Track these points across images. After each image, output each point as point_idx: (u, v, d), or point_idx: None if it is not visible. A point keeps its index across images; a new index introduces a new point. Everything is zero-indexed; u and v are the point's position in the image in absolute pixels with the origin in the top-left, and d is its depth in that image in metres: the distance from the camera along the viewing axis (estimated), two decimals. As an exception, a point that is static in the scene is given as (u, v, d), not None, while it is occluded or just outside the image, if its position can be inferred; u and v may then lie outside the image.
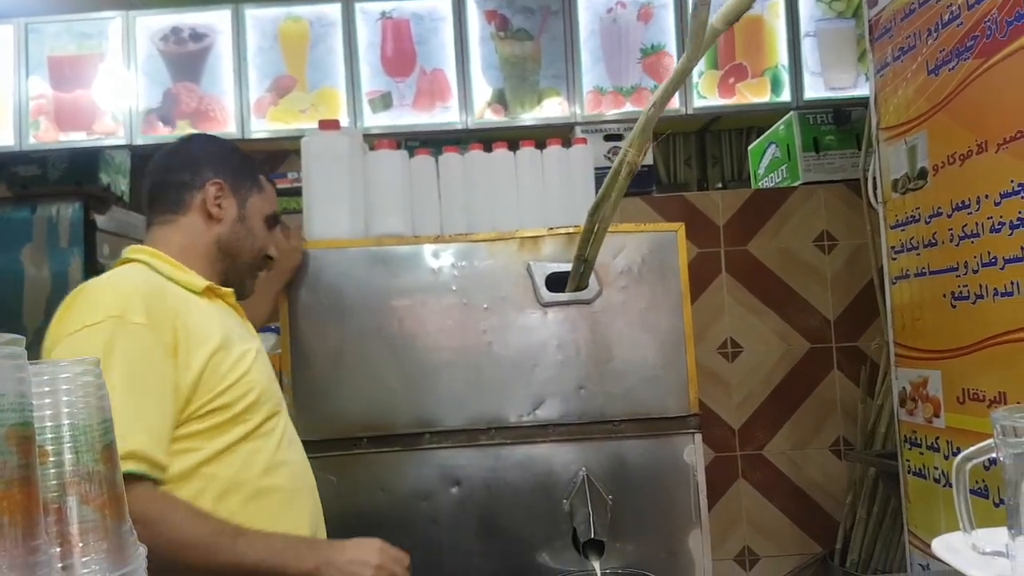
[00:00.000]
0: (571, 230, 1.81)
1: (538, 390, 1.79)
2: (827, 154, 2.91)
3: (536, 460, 1.78)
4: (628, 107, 2.91)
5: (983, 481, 1.69)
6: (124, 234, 2.98)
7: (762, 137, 3.31)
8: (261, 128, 2.92)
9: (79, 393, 0.62)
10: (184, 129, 2.91)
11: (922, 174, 1.97)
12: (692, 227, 2.70)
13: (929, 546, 0.98)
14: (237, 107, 2.92)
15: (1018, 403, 1.57)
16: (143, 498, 1.18)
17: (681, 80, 1.47)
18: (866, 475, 2.61)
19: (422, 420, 1.77)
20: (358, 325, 1.78)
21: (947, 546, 0.86)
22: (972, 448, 0.83)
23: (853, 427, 2.77)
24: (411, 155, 1.92)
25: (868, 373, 2.75)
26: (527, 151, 1.92)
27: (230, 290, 1.46)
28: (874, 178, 2.24)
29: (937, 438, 1.97)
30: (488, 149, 1.92)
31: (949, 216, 1.86)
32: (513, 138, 1.99)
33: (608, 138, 2.88)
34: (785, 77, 2.93)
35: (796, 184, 2.93)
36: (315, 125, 1.96)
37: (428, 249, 1.81)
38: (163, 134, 2.92)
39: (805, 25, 2.93)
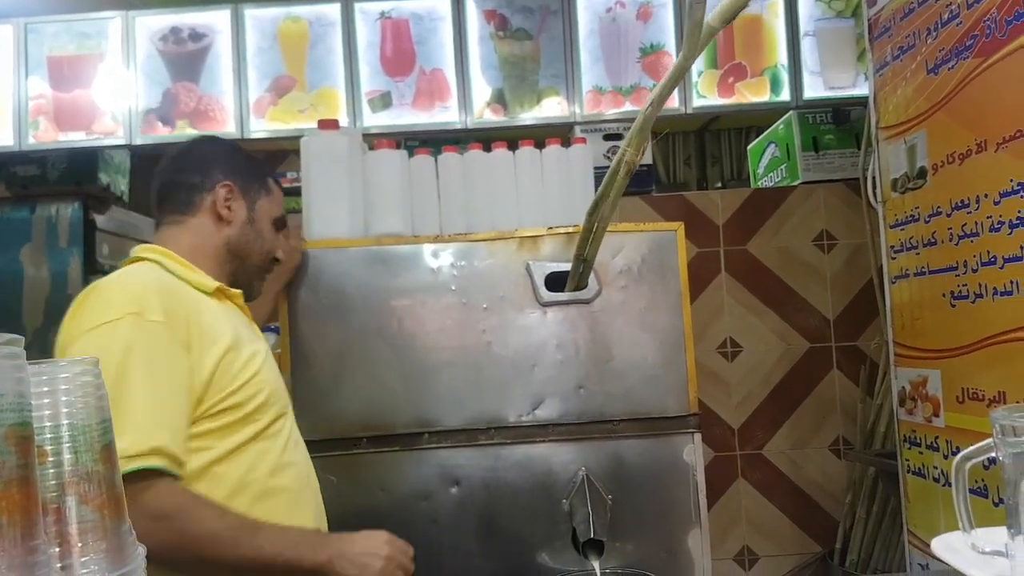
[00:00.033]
0: (570, 230, 1.81)
1: (537, 390, 1.79)
2: (826, 153, 2.91)
3: (535, 460, 1.78)
4: (627, 107, 2.91)
5: (982, 480, 1.70)
6: (123, 234, 2.98)
7: (761, 136, 3.31)
8: (260, 128, 2.92)
9: (78, 393, 0.62)
10: (183, 129, 2.90)
11: (921, 173, 1.98)
12: (691, 227, 2.70)
13: (928, 545, 0.98)
14: (236, 107, 2.92)
15: (1018, 402, 1.57)
16: (167, 493, 1.20)
17: (678, 78, 1.47)
18: (865, 474, 2.61)
19: (422, 420, 1.77)
20: (358, 325, 1.78)
21: (946, 545, 0.86)
22: (971, 447, 0.83)
23: (852, 426, 2.77)
24: (410, 155, 1.92)
25: (868, 372, 2.75)
26: (526, 151, 1.92)
27: (239, 291, 1.48)
28: (873, 177, 2.24)
29: (936, 437, 1.97)
30: (487, 149, 1.92)
31: (948, 215, 1.86)
32: (512, 138, 1.99)
33: (607, 137, 2.88)
34: (784, 76, 2.93)
35: (795, 184, 2.93)
36: (314, 125, 1.96)
37: (427, 249, 1.81)
38: (162, 134, 2.92)
39: (804, 24, 2.93)
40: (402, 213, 1.86)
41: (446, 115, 2.91)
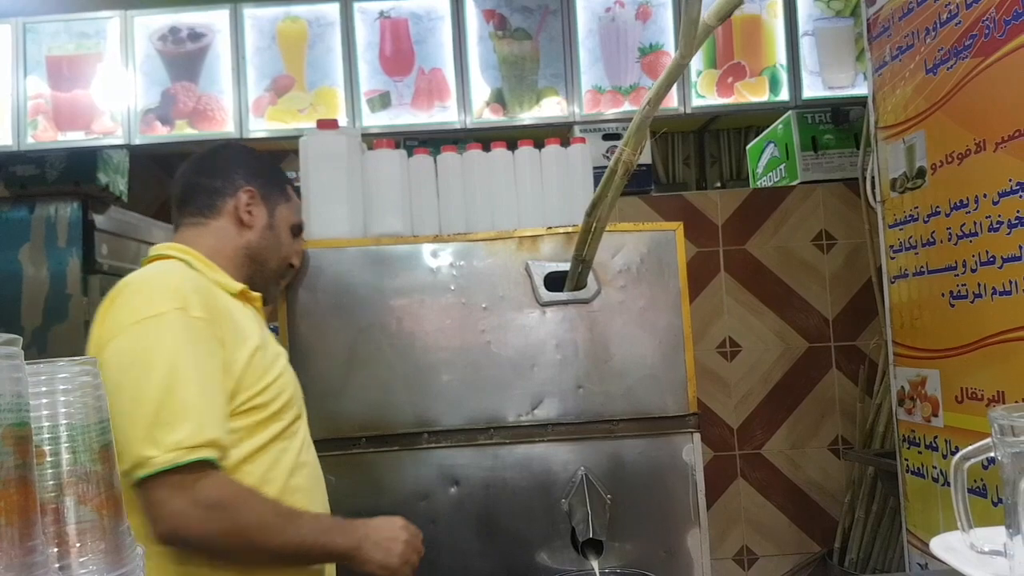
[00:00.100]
0: (570, 229, 1.81)
1: (537, 389, 1.79)
2: (825, 153, 2.91)
3: (535, 459, 1.78)
4: (627, 106, 2.91)
5: (981, 480, 1.70)
6: (122, 234, 2.98)
7: (760, 136, 3.31)
8: (260, 128, 2.91)
9: (77, 393, 0.62)
10: (182, 129, 2.90)
11: (920, 173, 1.98)
12: (690, 226, 2.71)
13: (927, 545, 0.98)
14: (236, 107, 2.91)
15: (1016, 402, 1.57)
16: (221, 483, 1.24)
17: (675, 77, 1.47)
18: (864, 474, 2.61)
19: (421, 420, 1.77)
20: (357, 325, 1.78)
21: (945, 545, 0.86)
22: (970, 447, 0.83)
23: (852, 426, 2.78)
24: (410, 155, 1.92)
25: (867, 372, 2.75)
26: (526, 150, 1.92)
27: (259, 295, 1.50)
28: (872, 177, 2.24)
29: (935, 437, 1.97)
30: (487, 148, 1.91)
31: (947, 215, 1.86)
32: (512, 138, 1.99)
33: (607, 137, 2.88)
34: (783, 76, 2.93)
35: (794, 183, 2.93)
36: (314, 125, 1.96)
37: (427, 249, 1.81)
38: (161, 134, 2.92)
39: (803, 24, 2.93)
40: (401, 213, 1.86)
41: (445, 115, 2.91)
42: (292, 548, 1.30)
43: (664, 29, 2.94)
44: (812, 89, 2.93)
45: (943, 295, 1.89)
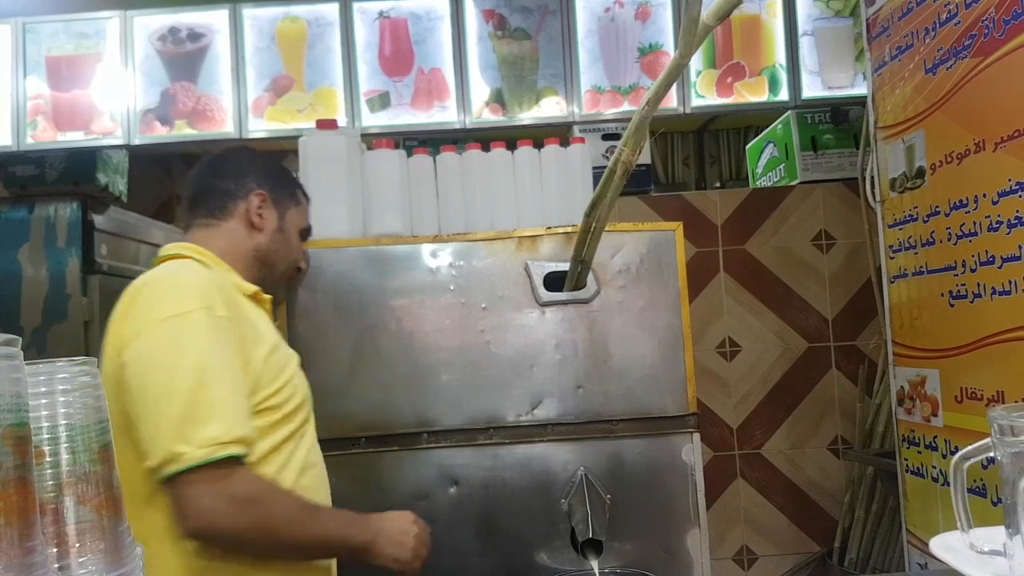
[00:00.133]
0: (569, 229, 1.81)
1: (536, 389, 1.79)
2: (825, 153, 2.91)
3: (534, 459, 1.78)
4: (626, 106, 2.91)
5: (981, 480, 1.70)
6: (122, 234, 2.97)
7: (760, 136, 3.31)
8: (259, 128, 2.91)
9: (76, 394, 0.62)
10: (182, 129, 2.90)
11: (920, 173, 1.98)
12: (690, 226, 2.71)
13: (927, 545, 0.98)
14: (235, 107, 2.91)
15: (1016, 402, 1.57)
16: (250, 479, 1.26)
17: (674, 77, 1.47)
18: (864, 474, 2.62)
19: (420, 420, 1.77)
20: (356, 325, 1.78)
21: (945, 545, 0.86)
22: (970, 447, 0.83)
23: (851, 426, 2.78)
24: (409, 155, 1.92)
25: (866, 372, 2.75)
26: (525, 150, 1.92)
27: (270, 297, 1.51)
28: (872, 177, 2.24)
29: (935, 437, 1.97)
30: (486, 148, 1.91)
31: (947, 215, 1.86)
32: (511, 138, 1.99)
33: (606, 137, 2.87)
34: (783, 76, 2.93)
35: (794, 183, 2.93)
36: (313, 125, 1.96)
37: (426, 249, 1.81)
38: (161, 134, 2.91)
39: (803, 24, 2.93)
40: (401, 213, 1.86)
41: (445, 115, 2.91)
42: (315, 541, 1.32)
43: (663, 29, 2.94)
44: (811, 89, 2.93)
45: (943, 295, 1.90)
